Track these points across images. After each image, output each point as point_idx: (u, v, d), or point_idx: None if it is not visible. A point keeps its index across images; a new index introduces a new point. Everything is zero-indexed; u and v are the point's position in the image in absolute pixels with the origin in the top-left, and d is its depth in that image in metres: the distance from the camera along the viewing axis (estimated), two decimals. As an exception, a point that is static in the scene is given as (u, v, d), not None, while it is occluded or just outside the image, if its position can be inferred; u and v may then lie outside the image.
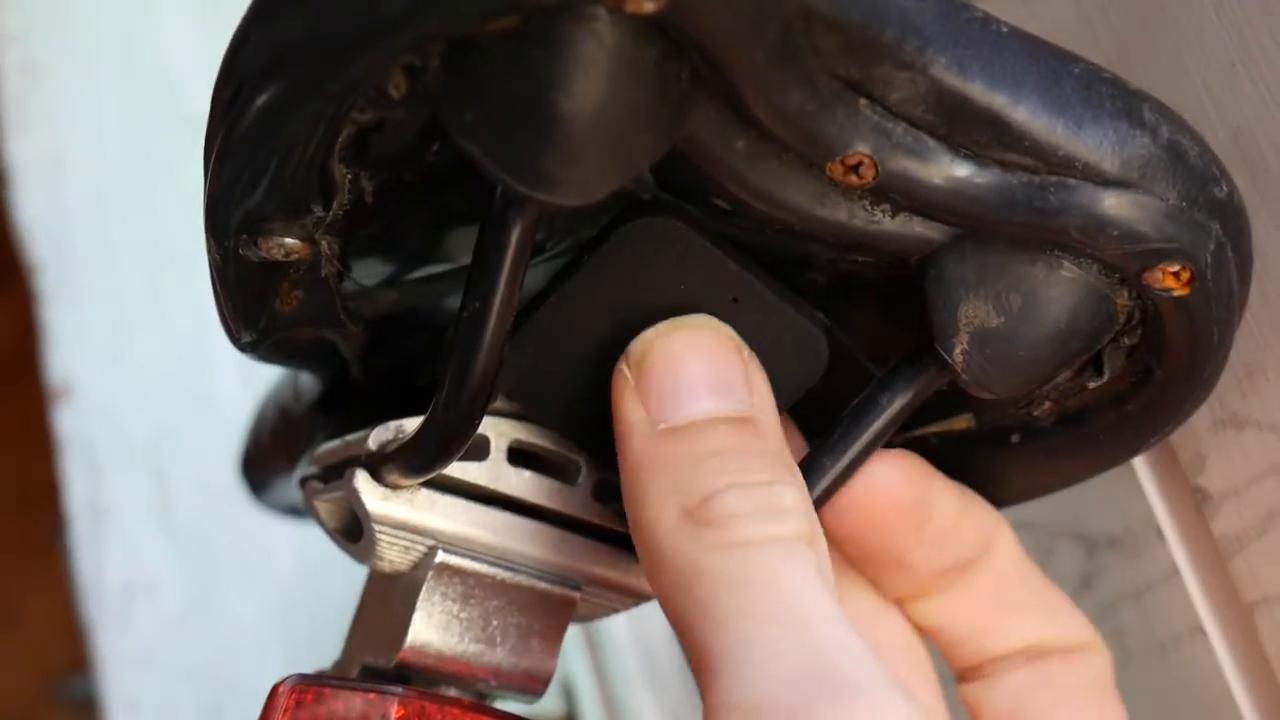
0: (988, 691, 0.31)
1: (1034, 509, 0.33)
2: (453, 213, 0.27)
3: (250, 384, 0.59)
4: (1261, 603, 0.31)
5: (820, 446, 0.28)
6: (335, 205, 0.25)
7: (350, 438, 0.28)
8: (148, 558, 0.68)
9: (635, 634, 0.60)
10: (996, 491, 0.31)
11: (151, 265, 0.73)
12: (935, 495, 0.30)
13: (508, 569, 0.29)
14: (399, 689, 0.26)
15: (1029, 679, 0.30)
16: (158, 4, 0.78)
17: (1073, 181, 0.24)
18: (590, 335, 0.27)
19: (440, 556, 0.28)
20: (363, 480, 0.27)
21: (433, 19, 0.21)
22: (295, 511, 0.39)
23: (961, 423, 0.30)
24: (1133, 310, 0.26)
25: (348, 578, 0.34)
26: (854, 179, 0.24)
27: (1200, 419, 0.31)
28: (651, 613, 0.28)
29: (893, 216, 0.25)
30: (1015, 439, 0.30)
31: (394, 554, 0.28)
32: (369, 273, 0.28)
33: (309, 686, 0.27)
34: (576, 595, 0.30)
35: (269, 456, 0.37)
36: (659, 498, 0.25)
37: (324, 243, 0.26)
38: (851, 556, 0.31)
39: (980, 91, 0.24)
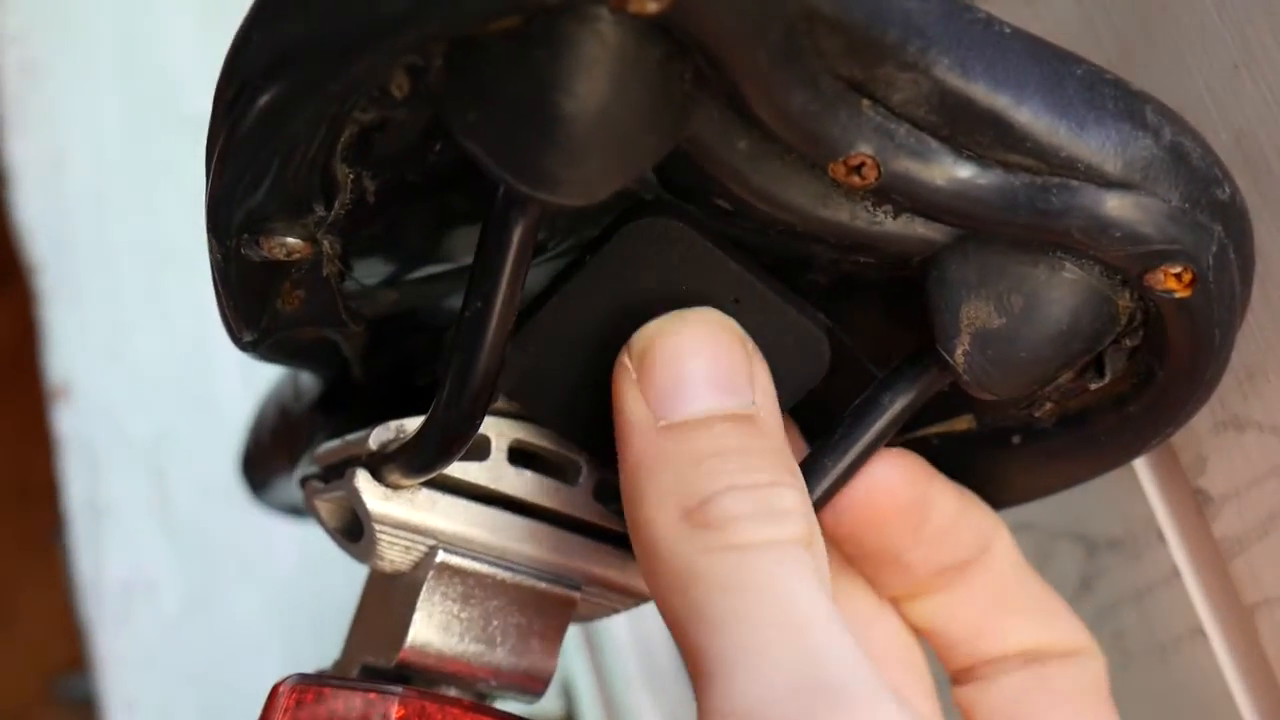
0: (982, 694, 0.31)
1: (1035, 510, 0.33)
2: (455, 213, 0.27)
3: (250, 383, 0.60)
4: (1262, 605, 0.31)
5: (821, 447, 0.28)
6: (337, 205, 0.25)
7: (351, 437, 0.28)
8: (147, 557, 0.68)
9: (634, 634, 0.60)
10: (997, 493, 0.31)
11: (151, 265, 0.73)
12: (934, 495, 0.30)
13: (508, 569, 0.29)
14: (399, 689, 0.26)
15: (1024, 683, 0.30)
16: (158, 4, 0.78)
17: (1075, 183, 0.24)
18: (592, 335, 0.27)
19: (441, 556, 0.28)
20: (363, 480, 0.27)
21: (435, 19, 0.21)
22: (295, 511, 0.39)
23: (963, 424, 0.30)
24: (1134, 312, 0.26)
25: (348, 577, 0.34)
26: (856, 180, 0.24)
27: (1201, 421, 0.31)
28: (650, 613, 0.28)
29: (895, 217, 0.25)
30: (1016, 440, 0.30)
31: (394, 554, 0.28)
32: (370, 272, 0.28)
33: (309, 686, 0.27)
34: (576, 595, 0.30)
35: (269, 456, 0.37)
36: (658, 497, 0.25)
37: (326, 242, 0.26)
38: (849, 555, 0.31)
39: (983, 93, 0.24)
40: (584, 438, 0.29)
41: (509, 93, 0.22)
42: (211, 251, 0.26)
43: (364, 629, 0.30)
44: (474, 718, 0.27)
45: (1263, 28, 0.27)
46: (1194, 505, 0.32)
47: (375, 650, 0.29)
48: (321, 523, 0.30)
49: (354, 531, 0.29)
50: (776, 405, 0.26)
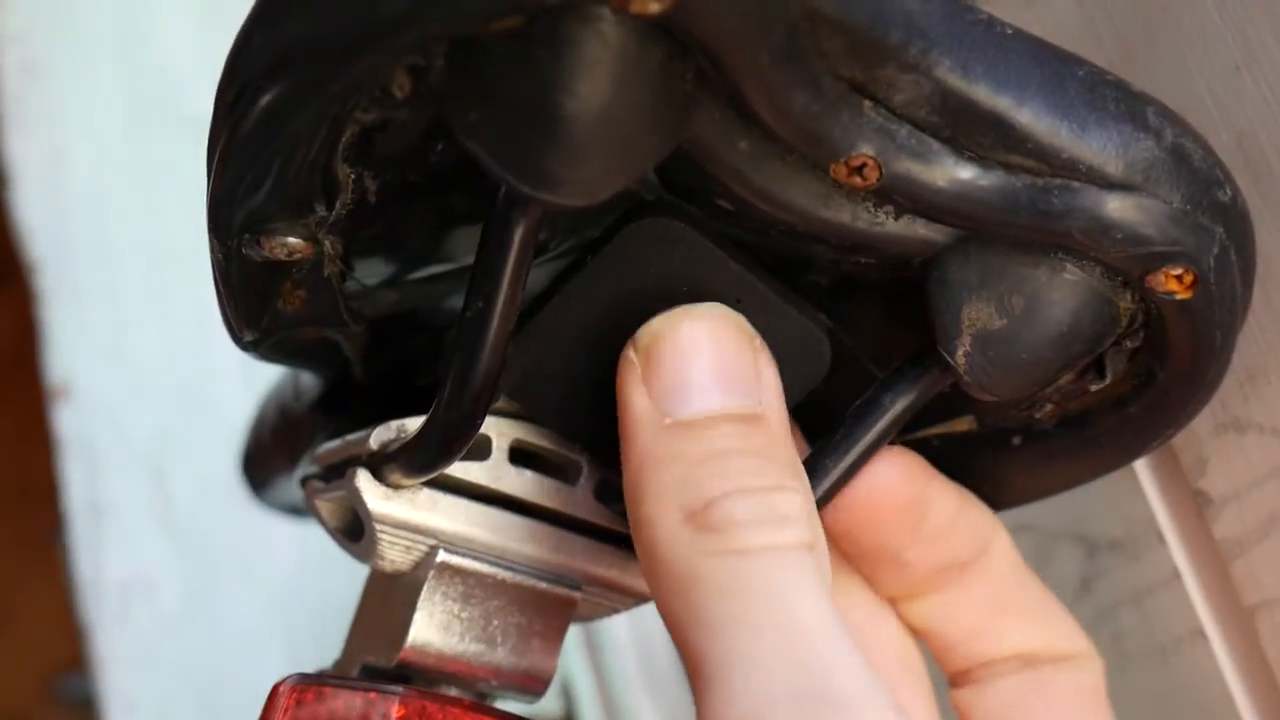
0: (979, 697, 0.31)
1: (1035, 511, 0.33)
2: (456, 213, 0.27)
3: (251, 383, 0.59)
4: (1262, 606, 0.31)
5: (822, 447, 0.28)
6: (338, 205, 0.25)
7: (352, 437, 0.28)
8: (147, 557, 0.68)
9: (634, 634, 0.60)
10: (998, 494, 0.31)
11: (152, 265, 0.73)
12: (933, 494, 0.30)
13: (509, 569, 0.29)
14: (399, 688, 0.26)
15: (1021, 686, 0.30)
16: (158, 4, 0.78)
17: (1076, 184, 0.24)
18: (593, 335, 0.27)
19: (441, 556, 0.28)
20: (364, 480, 0.27)
21: (436, 19, 0.21)
22: (296, 511, 0.39)
23: (963, 425, 0.30)
24: (1135, 313, 0.26)
25: (348, 577, 0.34)
26: (858, 181, 0.24)
27: (1202, 422, 0.31)
28: (650, 613, 0.28)
29: (896, 218, 0.25)
30: (1017, 441, 0.30)
31: (395, 553, 0.28)
32: (372, 272, 0.28)
33: (309, 686, 0.27)
34: (577, 595, 0.30)
35: (270, 455, 0.37)
36: (661, 497, 0.25)
37: (327, 242, 0.26)
38: (848, 553, 0.31)
39: (985, 94, 0.24)
40: (585, 438, 0.29)
41: (511, 93, 0.22)
42: (213, 251, 0.26)
43: (364, 629, 0.30)
44: (474, 717, 0.27)
45: (1264, 29, 0.27)
46: (1194, 507, 0.32)
47: (376, 650, 0.29)
48: (322, 522, 0.30)
49: (355, 531, 0.29)
50: (783, 404, 0.26)
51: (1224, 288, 0.26)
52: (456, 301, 0.26)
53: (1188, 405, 0.28)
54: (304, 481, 0.31)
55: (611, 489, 0.29)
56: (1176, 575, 0.33)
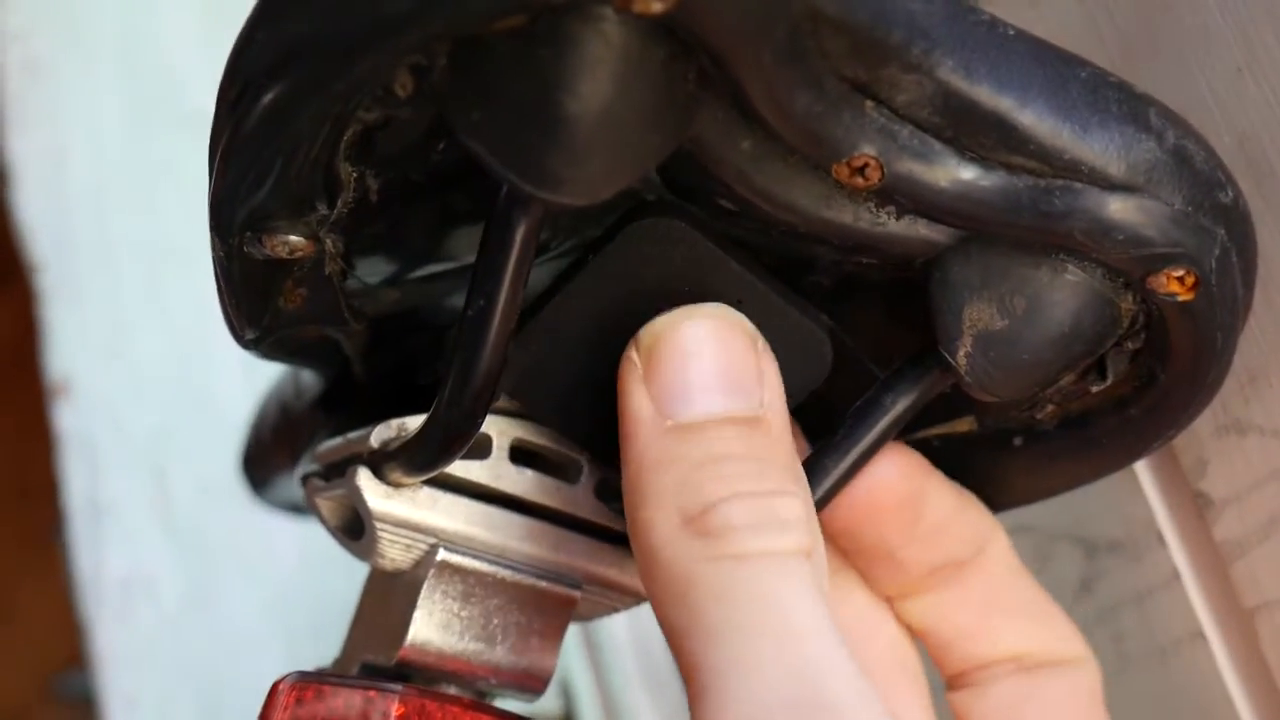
0: (976, 700, 0.31)
1: (1035, 512, 0.33)
2: (457, 212, 0.27)
3: (251, 381, 0.59)
4: (1262, 608, 0.31)
5: (823, 448, 0.28)
6: (340, 203, 0.25)
7: (352, 435, 0.28)
8: (147, 554, 0.68)
9: (633, 634, 0.60)
10: (998, 494, 0.31)
11: (152, 263, 0.73)
12: (931, 491, 0.30)
13: (508, 567, 0.29)
14: (399, 687, 0.26)
15: (1018, 690, 0.30)
16: (160, 3, 0.78)
17: (1078, 185, 0.24)
18: (593, 335, 0.27)
19: (441, 555, 0.28)
20: (365, 478, 0.27)
21: (439, 18, 0.21)
22: (296, 509, 0.39)
23: (964, 425, 0.30)
24: (1137, 314, 0.26)
25: (348, 575, 0.34)
26: (859, 181, 0.24)
27: (1203, 424, 0.31)
28: (649, 612, 0.28)
29: (898, 219, 0.25)
30: (1017, 442, 0.30)
31: (395, 552, 0.28)
32: (373, 271, 0.28)
33: (309, 684, 0.27)
34: (577, 594, 0.30)
35: (270, 454, 0.37)
36: (660, 500, 0.25)
37: (328, 241, 0.26)
38: (845, 550, 0.30)
39: (987, 94, 0.24)
40: (585, 437, 0.29)
41: (513, 92, 0.22)
42: (214, 249, 0.25)
43: (364, 627, 0.30)
44: (474, 716, 0.27)
45: (1266, 30, 0.27)
46: (1195, 508, 0.32)
47: (375, 648, 0.29)
48: (322, 521, 0.30)
49: (355, 529, 0.29)
50: (785, 406, 0.26)
51: (1225, 289, 0.26)
52: (458, 300, 0.26)
53: (1189, 407, 0.28)
54: (304, 480, 0.31)
55: (612, 488, 0.29)
56: (1176, 577, 0.33)
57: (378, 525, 0.28)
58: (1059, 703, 0.30)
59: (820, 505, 0.28)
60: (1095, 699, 0.30)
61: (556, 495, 0.29)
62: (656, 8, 0.21)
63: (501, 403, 0.29)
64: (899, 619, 0.31)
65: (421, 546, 0.28)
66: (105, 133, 0.76)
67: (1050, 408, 0.29)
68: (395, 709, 0.26)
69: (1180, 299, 0.25)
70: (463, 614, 0.29)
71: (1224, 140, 0.28)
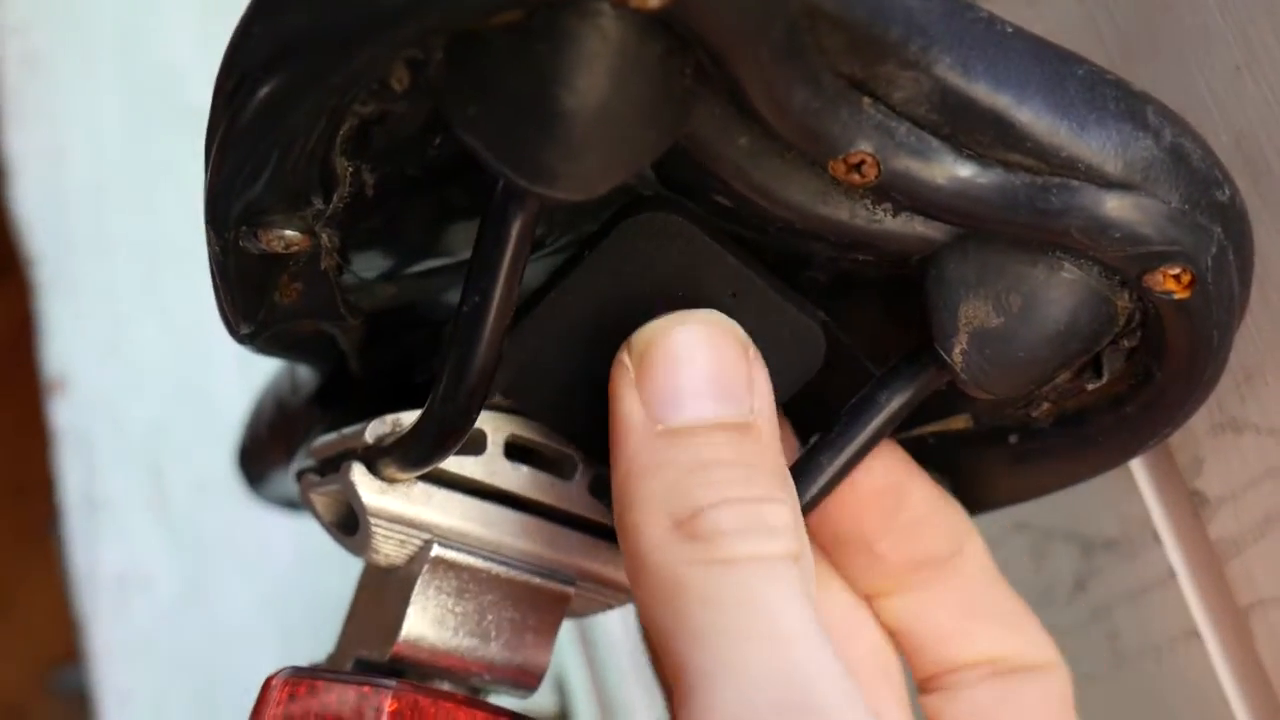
0: (947, 704, 0.31)
1: (1030, 510, 0.33)
2: (454, 207, 0.27)
3: (248, 377, 0.59)
4: (1257, 606, 0.31)
5: (817, 445, 0.28)
6: (336, 198, 0.25)
7: (347, 431, 0.28)
8: (143, 550, 0.68)
9: (629, 630, 0.60)
10: (993, 492, 0.31)
11: (150, 258, 0.73)
12: (911, 485, 0.30)
13: (503, 564, 0.29)
14: (393, 682, 0.26)
15: (989, 694, 0.30)
16: (159, -3, 0.78)
17: (1075, 183, 0.24)
18: (589, 331, 0.27)
19: (436, 550, 0.28)
20: (359, 473, 0.27)
21: (435, 12, 0.21)
22: (292, 504, 0.39)
23: (960, 423, 0.30)
24: (1133, 312, 0.26)
25: (343, 571, 0.34)
26: (856, 178, 0.24)
27: (1198, 422, 0.31)
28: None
29: (894, 216, 0.25)
30: (1013, 439, 0.30)
31: (389, 547, 0.28)
32: (369, 266, 0.28)
33: (302, 679, 0.26)
34: (571, 590, 0.30)
35: (266, 449, 0.37)
36: (649, 504, 0.25)
37: (324, 235, 0.26)
38: (824, 543, 0.31)
39: (984, 92, 0.23)
40: (579, 434, 0.29)
41: (509, 87, 0.22)
42: (209, 244, 0.25)
43: (358, 622, 0.30)
44: (468, 712, 0.27)
45: (1265, 29, 0.27)
46: (1190, 506, 0.32)
47: (369, 644, 0.29)
48: (317, 516, 0.30)
49: (349, 525, 0.29)
50: (774, 413, 0.26)
51: (1221, 287, 0.26)
52: (454, 296, 0.26)
53: (1184, 405, 0.28)
54: (300, 475, 0.31)
55: (606, 484, 0.29)
56: (1171, 575, 0.33)
57: (372, 521, 0.28)
58: (1032, 708, 0.30)
59: (814, 502, 0.28)
60: (1066, 704, 0.31)
61: (551, 491, 0.29)
62: (653, 3, 0.21)
63: (496, 399, 0.29)
64: (877, 618, 0.31)
65: (416, 542, 0.28)
66: (104, 128, 0.76)
67: (1046, 405, 0.29)
68: (389, 704, 0.26)
69: (1176, 297, 0.25)
70: (457, 610, 0.29)
71: (1222, 139, 0.28)
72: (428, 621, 0.28)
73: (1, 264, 0.83)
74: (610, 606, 0.31)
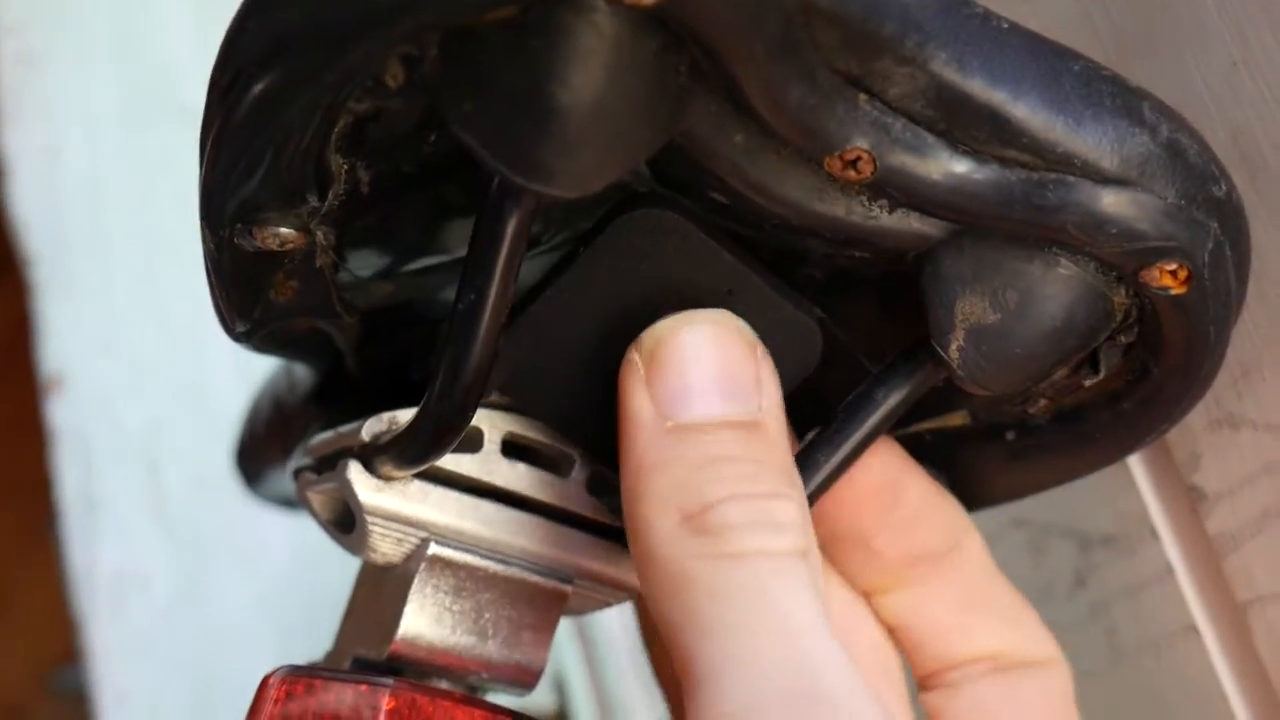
0: (948, 701, 0.31)
1: (1028, 506, 0.33)
2: (449, 204, 0.27)
3: (245, 375, 0.59)
4: (1255, 602, 0.31)
5: (815, 442, 0.28)
6: (331, 195, 0.25)
7: (343, 429, 0.28)
8: (140, 549, 0.68)
9: (628, 628, 0.60)
10: (991, 488, 0.31)
11: (147, 257, 0.73)
12: (908, 480, 0.30)
13: (500, 562, 0.29)
14: (390, 681, 0.26)
15: (990, 691, 0.30)
16: (155, -5, 0.78)
17: (1071, 179, 0.24)
18: (585, 329, 0.27)
19: (433, 549, 0.28)
20: (355, 471, 0.27)
21: (430, 8, 0.21)
22: (289, 503, 0.39)
23: (957, 419, 0.30)
24: (1130, 308, 0.26)
25: (341, 570, 0.34)
26: (852, 174, 0.24)
27: (1196, 418, 0.31)
28: (645, 608, 0.28)
29: (890, 212, 0.25)
30: (1010, 436, 0.30)
31: (386, 546, 0.28)
32: (365, 264, 0.28)
33: (299, 678, 0.26)
34: (568, 589, 0.29)
35: (263, 448, 0.37)
36: (659, 498, 0.25)
37: (319, 233, 0.26)
38: (822, 539, 0.31)
39: (980, 88, 0.23)
40: (576, 432, 0.29)
41: (504, 83, 0.22)
42: (204, 241, 0.25)
43: (356, 621, 0.30)
44: (466, 710, 0.27)
45: (1261, 25, 0.27)
46: (1188, 502, 0.32)
47: (367, 642, 0.29)
48: (314, 514, 0.30)
49: (346, 523, 0.29)
50: (782, 411, 0.26)
51: (1218, 283, 0.26)
52: (451, 294, 0.26)
53: (1182, 401, 0.28)
54: (296, 474, 0.31)
55: (604, 482, 0.29)
56: (1169, 571, 0.33)
57: (368, 519, 0.27)
58: (1033, 704, 0.30)
59: (813, 498, 0.28)
60: (1067, 701, 0.31)
61: (548, 489, 0.29)
62: (648, 0, 0.21)
63: (493, 397, 0.29)
64: (876, 615, 0.31)
65: (413, 540, 0.28)
66: (100, 126, 0.76)
67: (1043, 402, 0.29)
68: (386, 703, 0.26)
69: (1173, 293, 0.25)
70: (454, 608, 0.29)
71: (1218, 134, 0.28)
72: (425, 620, 0.28)
73: (-1, 263, 0.83)
74: (608, 604, 0.31)
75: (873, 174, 0.24)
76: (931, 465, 0.31)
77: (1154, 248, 0.25)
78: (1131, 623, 0.35)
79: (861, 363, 0.29)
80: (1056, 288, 0.26)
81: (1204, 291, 0.25)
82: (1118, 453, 0.30)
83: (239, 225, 0.25)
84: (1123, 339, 0.27)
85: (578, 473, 0.29)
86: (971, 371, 0.26)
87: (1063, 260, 0.25)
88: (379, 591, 0.29)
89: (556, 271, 0.27)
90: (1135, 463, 0.34)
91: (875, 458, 0.29)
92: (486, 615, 0.29)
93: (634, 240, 0.26)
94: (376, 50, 0.22)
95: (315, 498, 0.29)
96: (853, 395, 0.28)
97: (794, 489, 0.26)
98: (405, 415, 0.27)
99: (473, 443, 0.28)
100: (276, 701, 0.26)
